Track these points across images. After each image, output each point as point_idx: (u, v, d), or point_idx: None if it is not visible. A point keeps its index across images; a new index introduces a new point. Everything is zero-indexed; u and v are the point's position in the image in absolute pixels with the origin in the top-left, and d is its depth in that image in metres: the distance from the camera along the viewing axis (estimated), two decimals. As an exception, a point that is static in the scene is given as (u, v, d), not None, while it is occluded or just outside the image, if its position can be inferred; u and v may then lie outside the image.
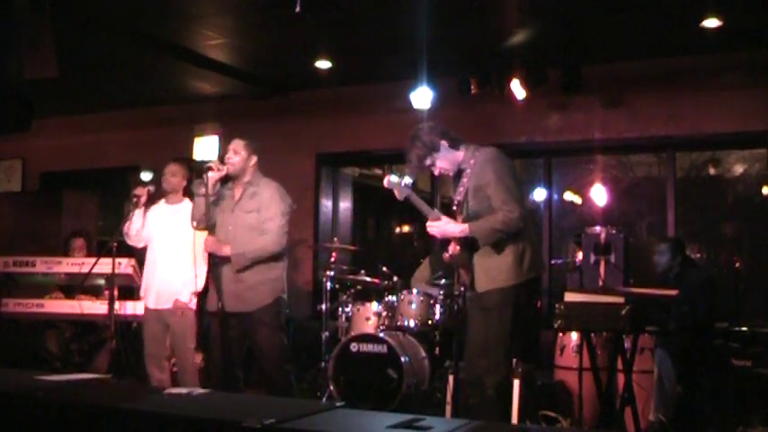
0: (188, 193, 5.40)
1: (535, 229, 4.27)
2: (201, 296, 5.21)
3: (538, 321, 6.99)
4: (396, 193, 4.19)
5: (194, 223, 4.77)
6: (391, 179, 4.19)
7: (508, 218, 3.89)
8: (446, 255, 4.18)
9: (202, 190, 4.62)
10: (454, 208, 4.18)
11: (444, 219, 4.09)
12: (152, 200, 5.39)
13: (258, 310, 4.58)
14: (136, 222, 5.33)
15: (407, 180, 4.19)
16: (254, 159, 4.74)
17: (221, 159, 4.74)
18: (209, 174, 4.61)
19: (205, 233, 4.71)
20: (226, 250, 4.58)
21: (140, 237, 5.36)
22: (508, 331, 3.93)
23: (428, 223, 4.12)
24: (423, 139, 4.11)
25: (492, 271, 3.97)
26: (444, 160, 4.15)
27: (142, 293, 5.34)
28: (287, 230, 4.70)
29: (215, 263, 4.61)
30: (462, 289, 4.22)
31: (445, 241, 4.16)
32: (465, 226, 4.02)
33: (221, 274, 4.60)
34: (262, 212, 4.64)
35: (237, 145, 4.72)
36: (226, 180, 4.76)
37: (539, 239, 4.34)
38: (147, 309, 5.27)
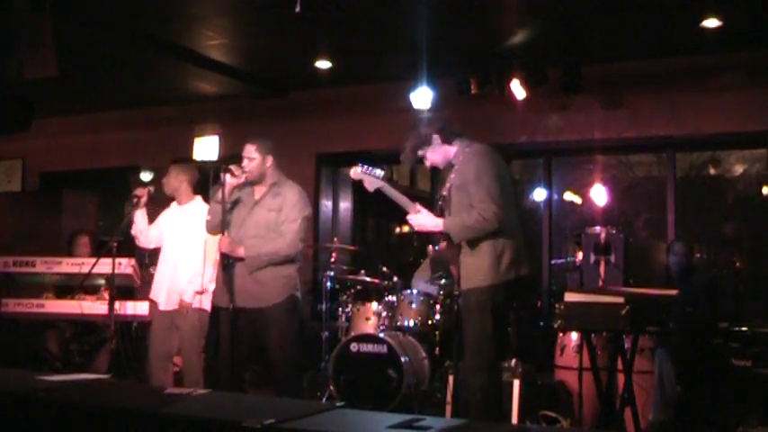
0: (197, 191, 5.39)
1: (522, 230, 4.21)
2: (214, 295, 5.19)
3: (534, 321, 7.00)
4: (365, 184, 4.17)
5: (209, 228, 4.76)
6: (359, 170, 4.16)
7: (482, 217, 3.88)
8: (430, 249, 4.19)
9: (219, 195, 4.58)
10: (440, 202, 4.19)
11: (424, 212, 4.09)
12: (153, 200, 5.39)
13: (271, 308, 4.54)
14: (139, 223, 5.33)
15: (378, 171, 4.15)
16: (270, 160, 4.69)
17: (241, 166, 4.66)
18: (228, 179, 4.56)
19: (217, 236, 4.68)
20: (240, 252, 4.55)
21: (148, 237, 5.35)
22: (487, 332, 3.92)
23: (408, 216, 4.12)
24: (419, 130, 4.16)
25: (471, 270, 3.98)
26: (435, 154, 4.18)
27: (153, 295, 5.31)
28: (303, 236, 4.68)
29: (228, 261, 4.58)
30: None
31: (433, 236, 4.15)
32: (440, 221, 4.03)
33: (234, 270, 4.56)
34: (283, 213, 4.61)
35: (248, 151, 4.66)
36: (243, 185, 4.71)
37: (527, 240, 4.30)
38: (157, 310, 5.24)
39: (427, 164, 4.24)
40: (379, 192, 4.17)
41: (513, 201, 4.16)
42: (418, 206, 4.13)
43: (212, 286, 5.03)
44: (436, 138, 4.13)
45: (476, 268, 3.95)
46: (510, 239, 3.98)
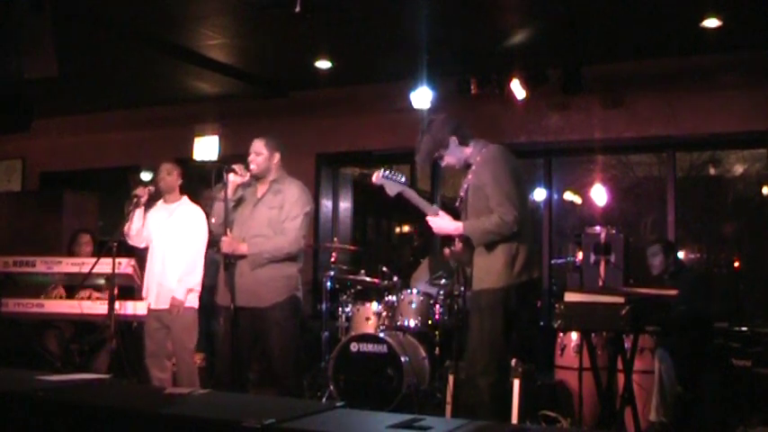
0: (184, 191, 5.43)
1: (533, 230, 4.23)
2: (206, 293, 5.21)
3: (534, 321, 6.99)
4: (387, 189, 4.17)
5: (212, 226, 4.76)
6: (381, 174, 4.17)
7: (502, 221, 3.88)
8: (446, 251, 4.19)
9: (222, 194, 4.58)
10: (457, 204, 4.19)
11: (441, 214, 4.10)
12: (152, 200, 5.41)
13: (271, 307, 4.54)
14: (136, 222, 5.36)
15: (400, 176, 4.17)
16: (277, 157, 4.71)
17: (244, 164, 4.67)
18: (231, 177, 4.57)
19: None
20: (242, 248, 4.55)
21: (141, 237, 5.39)
22: (499, 333, 3.93)
23: (427, 218, 4.13)
24: (433, 133, 4.13)
25: (483, 271, 3.98)
26: (451, 156, 4.15)
27: (144, 293, 5.36)
28: (305, 233, 4.68)
29: (230, 260, 4.58)
30: (462, 289, 4.23)
31: (448, 237, 4.16)
32: (460, 224, 4.03)
33: (236, 270, 4.55)
34: (284, 210, 4.61)
35: (258, 145, 4.68)
36: (247, 182, 4.71)
37: (536, 242, 4.31)
38: (148, 309, 5.29)
39: (443, 165, 4.23)
40: (400, 196, 4.17)
41: (527, 202, 4.17)
42: (437, 209, 4.14)
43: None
44: (453, 140, 4.11)
45: (489, 270, 3.95)
46: (524, 242, 3.98)
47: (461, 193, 4.16)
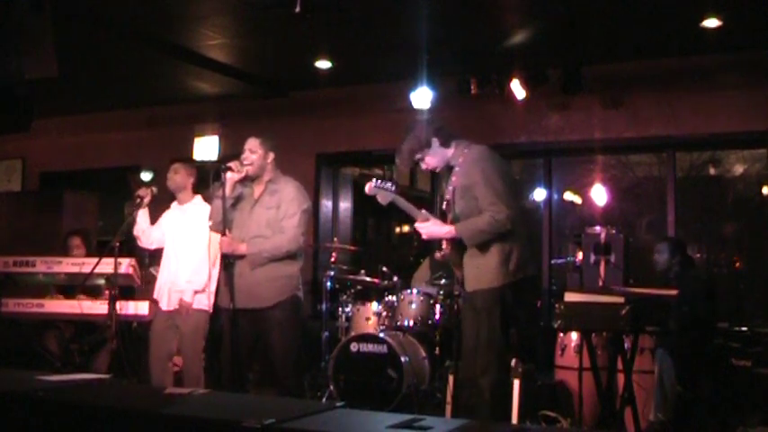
0: (197, 190, 5.40)
1: (527, 230, 4.25)
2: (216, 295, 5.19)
3: (534, 321, 6.99)
4: (379, 198, 4.24)
5: (210, 224, 4.75)
6: (373, 184, 4.24)
7: (494, 219, 3.90)
8: (437, 254, 4.22)
9: (220, 192, 4.57)
10: (443, 207, 4.20)
11: (432, 220, 4.12)
12: (155, 200, 5.38)
13: (272, 308, 4.53)
14: (141, 224, 5.34)
15: (390, 185, 4.22)
16: (272, 156, 4.70)
17: (239, 161, 4.66)
18: (229, 175, 4.56)
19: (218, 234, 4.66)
20: (242, 248, 4.55)
21: (150, 238, 5.36)
22: (497, 332, 3.94)
23: (416, 225, 4.15)
24: (416, 133, 4.17)
25: (478, 271, 3.99)
26: (433, 157, 4.18)
27: (156, 294, 5.32)
28: (304, 230, 4.67)
29: (230, 261, 4.56)
30: (462, 289, 4.23)
31: (437, 241, 4.18)
32: (451, 227, 4.04)
33: (235, 270, 4.54)
34: (281, 209, 4.61)
35: (253, 144, 4.66)
36: (244, 180, 4.70)
37: (531, 240, 4.32)
38: (159, 310, 5.26)
39: (424, 167, 4.26)
40: (392, 204, 4.24)
41: (517, 201, 4.18)
42: (427, 214, 4.15)
43: (213, 285, 5.03)
44: (435, 141, 4.14)
45: (484, 270, 3.96)
46: (518, 240, 3.99)
47: (447, 196, 4.17)
